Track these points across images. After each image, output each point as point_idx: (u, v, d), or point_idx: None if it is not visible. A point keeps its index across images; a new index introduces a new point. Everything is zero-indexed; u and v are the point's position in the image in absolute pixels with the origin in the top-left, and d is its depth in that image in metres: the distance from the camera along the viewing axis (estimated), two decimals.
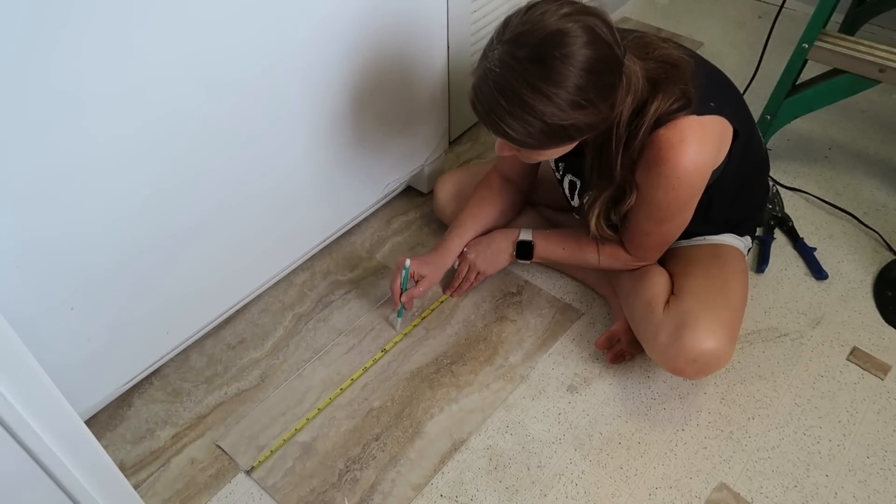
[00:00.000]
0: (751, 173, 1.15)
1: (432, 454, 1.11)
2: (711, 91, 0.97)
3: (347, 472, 1.09)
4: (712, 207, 1.09)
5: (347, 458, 1.11)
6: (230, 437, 1.13)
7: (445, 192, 1.38)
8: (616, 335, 1.21)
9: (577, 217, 1.22)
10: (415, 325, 1.29)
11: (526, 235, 1.23)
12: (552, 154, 0.97)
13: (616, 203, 1.04)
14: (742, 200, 1.16)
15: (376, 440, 1.13)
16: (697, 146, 0.93)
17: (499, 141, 0.95)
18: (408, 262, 1.23)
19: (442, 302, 1.32)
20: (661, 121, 0.92)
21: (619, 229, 1.11)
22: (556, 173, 1.21)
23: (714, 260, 1.14)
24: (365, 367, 1.22)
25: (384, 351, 1.25)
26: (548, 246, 1.22)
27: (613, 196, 1.03)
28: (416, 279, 1.25)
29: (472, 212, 1.29)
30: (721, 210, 1.13)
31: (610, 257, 1.15)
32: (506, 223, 1.32)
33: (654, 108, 0.91)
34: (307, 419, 1.14)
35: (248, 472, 1.08)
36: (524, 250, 1.23)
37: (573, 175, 1.15)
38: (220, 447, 1.12)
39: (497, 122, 0.88)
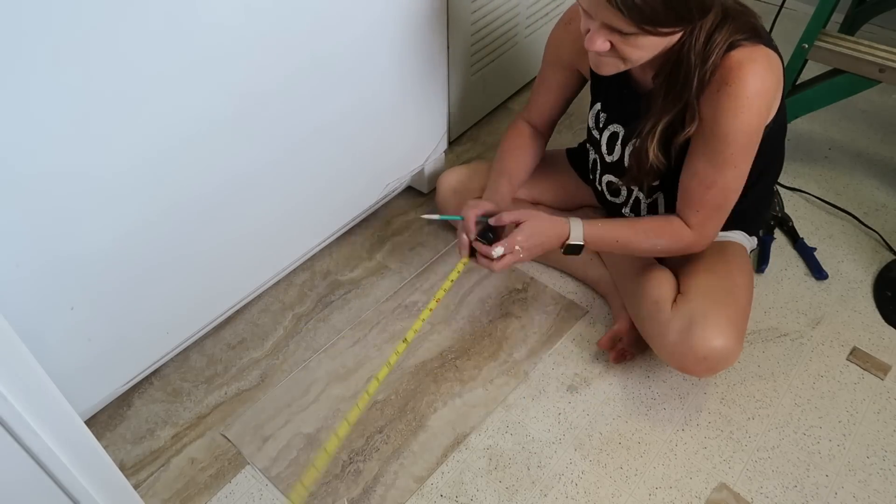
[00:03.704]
0: (774, 156, 1.15)
1: (435, 447, 1.12)
2: (770, 38, 0.99)
3: (351, 463, 1.10)
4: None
5: (351, 449, 1.11)
6: (235, 427, 1.14)
7: (448, 187, 1.37)
8: (618, 335, 1.21)
9: (603, 185, 1.20)
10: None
11: (577, 233, 1.08)
12: (651, 47, 0.92)
13: (674, 133, 1.00)
14: (762, 186, 1.17)
15: (380, 432, 1.13)
16: (766, 71, 0.93)
17: (594, 31, 0.91)
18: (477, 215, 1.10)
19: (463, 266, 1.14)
20: (733, 45, 0.93)
21: (669, 172, 1.05)
22: (595, 129, 1.18)
23: (720, 258, 1.14)
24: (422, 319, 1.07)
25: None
26: (602, 241, 1.10)
27: (673, 122, 0.99)
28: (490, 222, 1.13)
29: (514, 158, 1.24)
30: (744, 187, 1.10)
31: (671, 239, 1.07)
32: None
33: (727, 31, 0.92)
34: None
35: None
36: (575, 250, 1.11)
37: (617, 123, 1.13)
38: (225, 437, 1.13)
39: None
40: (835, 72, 1.42)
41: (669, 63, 0.96)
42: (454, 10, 1.37)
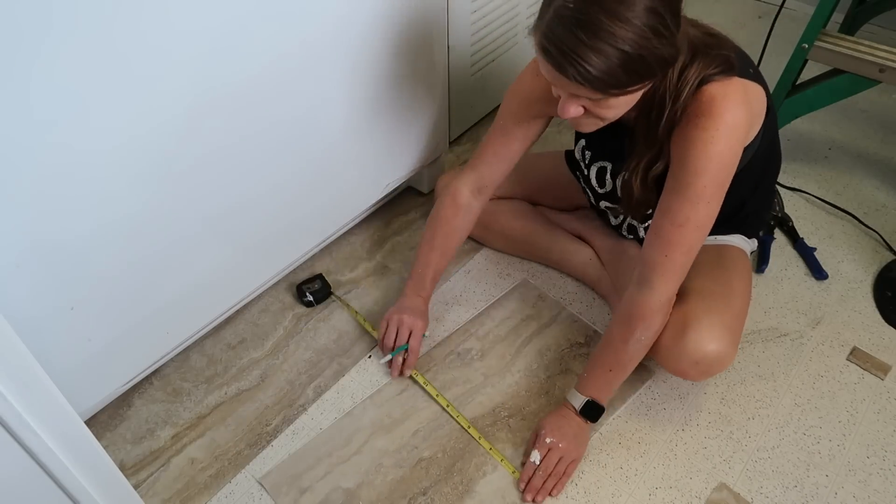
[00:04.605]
0: (770, 165, 1.15)
1: None
2: (748, 63, 0.98)
3: None
4: (736, 194, 1.03)
5: None
6: (273, 475, 1.08)
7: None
8: None
9: (601, 207, 1.21)
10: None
11: (578, 401, 1.10)
12: (624, 104, 0.91)
13: (650, 167, 1.00)
14: (761, 193, 1.16)
15: (423, 494, 1.05)
16: (738, 105, 0.92)
17: (564, 100, 0.91)
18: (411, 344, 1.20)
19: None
20: (705, 80, 0.92)
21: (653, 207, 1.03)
22: (582, 162, 1.19)
23: (718, 261, 1.13)
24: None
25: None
26: (598, 381, 1.09)
27: (652, 160, 0.99)
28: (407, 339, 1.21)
29: (446, 238, 1.22)
30: (742, 199, 1.11)
31: (643, 321, 1.03)
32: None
33: (696, 68, 0.91)
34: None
35: None
36: (594, 412, 1.10)
37: (603, 160, 1.13)
38: (261, 485, 1.07)
39: (575, 60, 0.82)
40: (835, 72, 1.42)
41: (648, 102, 0.95)
42: (454, 10, 1.37)
